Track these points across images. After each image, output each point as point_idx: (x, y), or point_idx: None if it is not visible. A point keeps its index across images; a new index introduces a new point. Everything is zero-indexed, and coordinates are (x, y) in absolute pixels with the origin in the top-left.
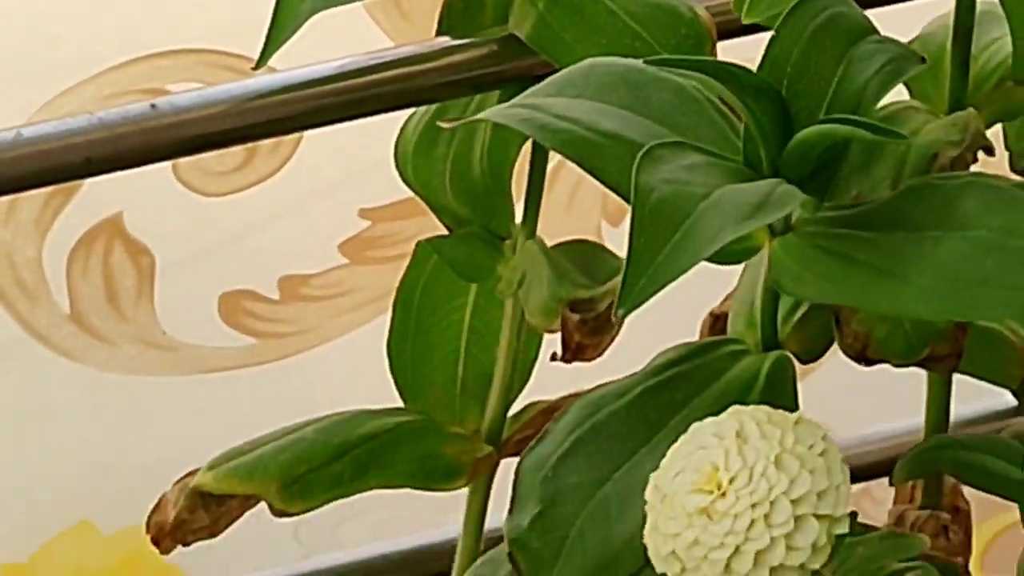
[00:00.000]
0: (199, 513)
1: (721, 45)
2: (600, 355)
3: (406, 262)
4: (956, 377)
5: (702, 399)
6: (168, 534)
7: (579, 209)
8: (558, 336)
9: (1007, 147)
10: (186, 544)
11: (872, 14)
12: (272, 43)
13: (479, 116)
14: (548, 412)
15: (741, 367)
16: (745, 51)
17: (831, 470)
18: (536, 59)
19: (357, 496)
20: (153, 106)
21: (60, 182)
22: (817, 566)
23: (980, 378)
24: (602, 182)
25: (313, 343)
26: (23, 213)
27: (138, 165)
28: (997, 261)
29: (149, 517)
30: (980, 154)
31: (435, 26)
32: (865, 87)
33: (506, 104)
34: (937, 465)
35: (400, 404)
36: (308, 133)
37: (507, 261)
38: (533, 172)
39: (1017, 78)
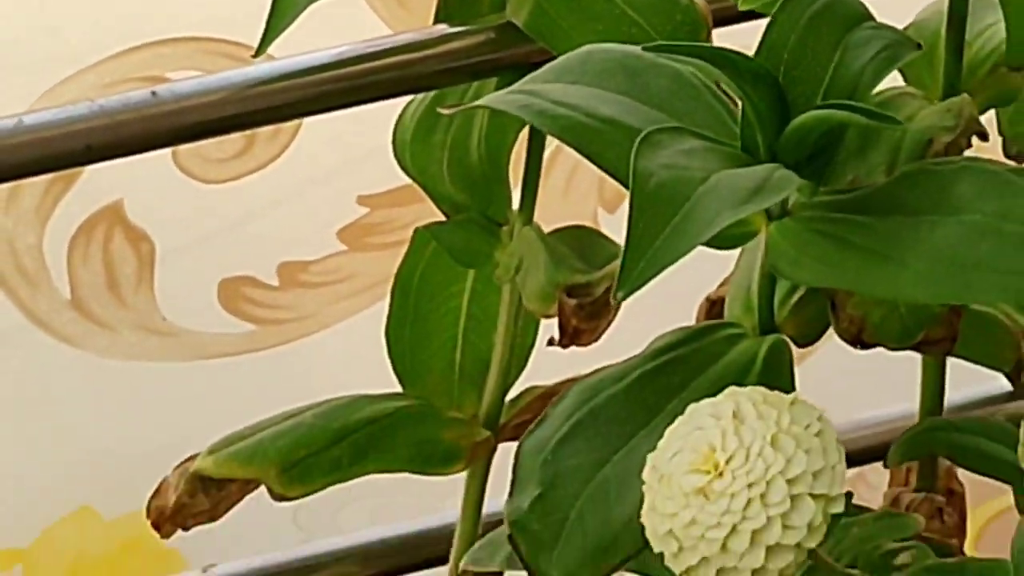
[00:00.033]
0: (199, 497)
1: (716, 32)
2: (597, 340)
3: (404, 248)
4: (951, 363)
5: (699, 383)
6: (168, 518)
7: (575, 196)
8: (555, 321)
9: (1000, 132)
10: (186, 528)
11: (867, 1)
12: (271, 31)
13: (477, 103)
14: (546, 397)
15: (738, 351)
16: (742, 38)
17: (827, 450)
18: (533, 46)
19: (356, 481)
20: (153, 93)
21: (61, 169)
22: (813, 545)
23: (975, 362)
24: (601, 167)
25: (312, 329)
26: (24, 200)
27: (138, 152)
28: (992, 245)
29: (149, 501)
30: (974, 139)
31: (433, 14)
32: (861, 73)
33: (504, 91)
34: (932, 447)
35: (399, 389)
36: (307, 120)
37: (504, 247)
38: (530, 159)
39: (1011, 64)
